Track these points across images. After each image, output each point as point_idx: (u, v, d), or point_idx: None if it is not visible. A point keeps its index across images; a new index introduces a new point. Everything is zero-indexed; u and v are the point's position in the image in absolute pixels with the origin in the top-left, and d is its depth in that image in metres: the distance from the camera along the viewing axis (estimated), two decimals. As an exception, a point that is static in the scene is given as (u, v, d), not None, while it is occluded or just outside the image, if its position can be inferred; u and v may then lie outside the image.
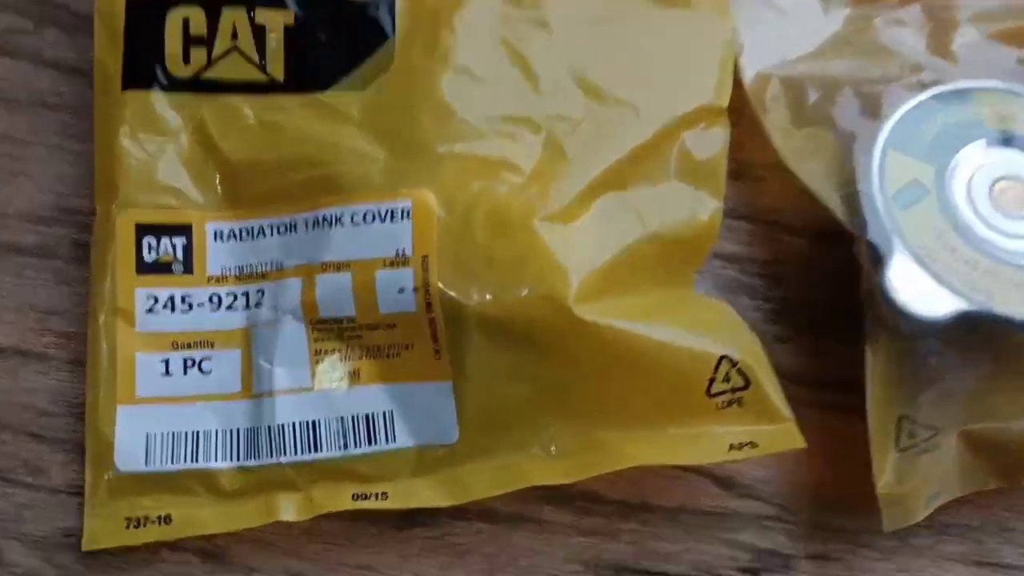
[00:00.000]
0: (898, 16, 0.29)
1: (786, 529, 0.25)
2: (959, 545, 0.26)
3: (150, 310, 0.24)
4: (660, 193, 0.25)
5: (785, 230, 0.28)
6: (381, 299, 0.23)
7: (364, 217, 0.23)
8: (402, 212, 0.23)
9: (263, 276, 0.24)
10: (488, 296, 0.23)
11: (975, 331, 0.24)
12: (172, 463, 0.23)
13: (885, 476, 0.23)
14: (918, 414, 0.24)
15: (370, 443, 0.24)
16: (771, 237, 0.28)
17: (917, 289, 0.24)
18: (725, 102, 0.26)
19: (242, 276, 0.24)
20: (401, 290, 0.23)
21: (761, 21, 0.28)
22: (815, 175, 0.26)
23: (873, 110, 0.26)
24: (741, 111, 0.26)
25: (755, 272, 0.27)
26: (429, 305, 0.23)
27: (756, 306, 0.27)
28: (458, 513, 0.24)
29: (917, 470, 0.24)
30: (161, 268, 0.24)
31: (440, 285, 0.23)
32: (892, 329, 0.24)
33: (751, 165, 0.28)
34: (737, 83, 0.26)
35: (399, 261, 0.23)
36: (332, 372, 0.24)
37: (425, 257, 0.23)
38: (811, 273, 0.27)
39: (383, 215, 0.23)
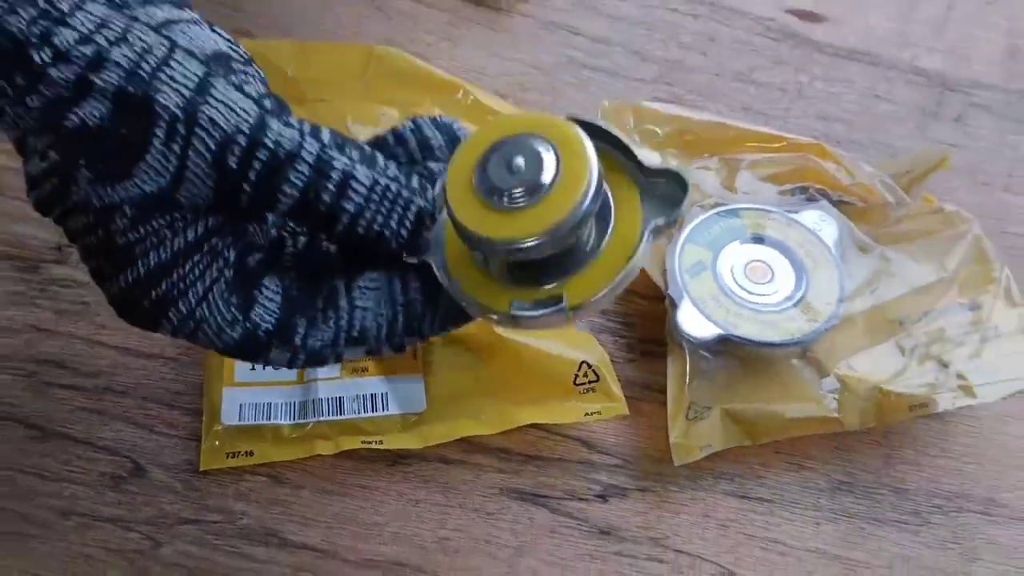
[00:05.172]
0: (705, 164, 0.47)
1: (624, 471, 0.41)
2: (729, 484, 0.42)
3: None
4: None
5: (635, 295, 0.45)
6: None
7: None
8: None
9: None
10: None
11: (728, 346, 0.41)
12: (254, 420, 0.38)
13: (676, 433, 0.40)
14: (698, 397, 0.41)
15: (373, 411, 0.38)
16: (626, 299, 0.44)
17: (696, 323, 0.41)
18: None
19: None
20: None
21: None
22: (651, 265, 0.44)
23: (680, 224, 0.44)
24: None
25: (616, 320, 0.44)
26: (410, 328, 0.40)
27: (615, 341, 0.44)
28: (424, 456, 0.38)
29: (696, 431, 0.40)
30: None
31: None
32: (682, 346, 0.41)
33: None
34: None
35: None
36: (350, 368, 0.40)
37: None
38: (645, 318, 0.44)
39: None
